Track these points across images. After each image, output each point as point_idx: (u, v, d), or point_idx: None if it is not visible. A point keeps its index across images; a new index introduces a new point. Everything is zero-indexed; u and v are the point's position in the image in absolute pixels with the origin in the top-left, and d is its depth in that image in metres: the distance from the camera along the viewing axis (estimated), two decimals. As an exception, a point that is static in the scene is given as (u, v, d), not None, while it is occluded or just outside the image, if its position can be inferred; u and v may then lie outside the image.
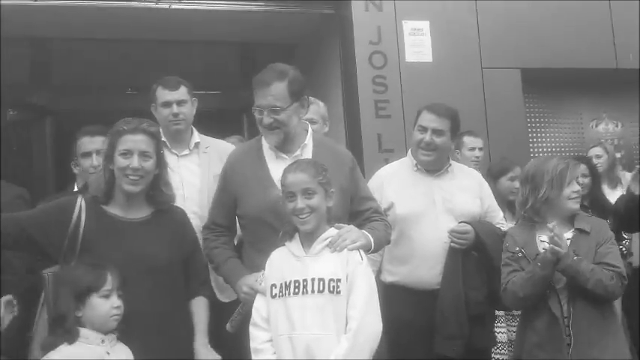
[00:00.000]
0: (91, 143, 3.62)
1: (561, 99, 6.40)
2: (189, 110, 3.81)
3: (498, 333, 3.94)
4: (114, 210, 2.86)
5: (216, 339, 3.00)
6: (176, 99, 3.76)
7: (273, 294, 2.74)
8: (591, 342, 3.02)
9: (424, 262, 3.49)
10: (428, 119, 3.58)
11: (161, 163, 2.93)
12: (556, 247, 2.99)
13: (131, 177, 2.80)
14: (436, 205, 3.56)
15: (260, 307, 2.78)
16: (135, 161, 2.78)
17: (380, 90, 5.29)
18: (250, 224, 3.02)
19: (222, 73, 6.71)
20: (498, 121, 5.47)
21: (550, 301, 3.08)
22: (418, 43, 5.41)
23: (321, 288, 2.66)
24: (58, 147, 6.60)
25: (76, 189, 3.87)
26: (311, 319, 2.64)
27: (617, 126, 6.60)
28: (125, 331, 2.69)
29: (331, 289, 2.66)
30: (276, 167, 3.02)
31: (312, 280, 2.68)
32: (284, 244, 2.83)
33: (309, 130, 3.16)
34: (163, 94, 3.78)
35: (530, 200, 3.20)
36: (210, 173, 3.63)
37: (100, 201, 2.86)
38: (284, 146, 3.06)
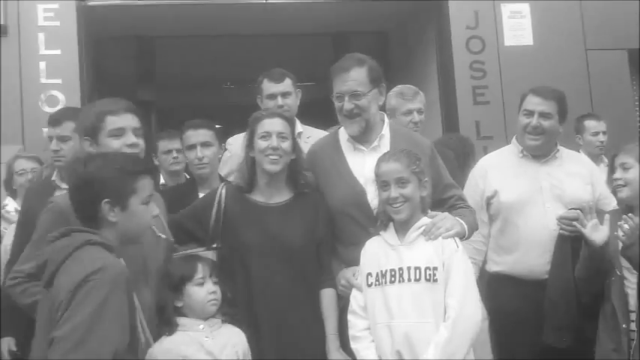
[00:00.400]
0: (195, 136, 3.74)
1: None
2: (293, 102, 3.91)
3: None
4: (256, 197, 3.00)
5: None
6: (281, 91, 3.86)
7: (369, 283, 2.76)
8: None
9: (531, 250, 3.37)
10: (534, 102, 3.47)
11: (297, 147, 3.04)
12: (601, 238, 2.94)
13: (271, 157, 2.92)
14: (543, 192, 3.44)
15: (357, 295, 2.81)
16: (274, 141, 2.91)
17: (478, 76, 5.18)
18: (334, 217, 3.01)
19: (316, 64, 6.77)
20: (604, 105, 5.22)
21: (612, 290, 2.97)
22: (517, 26, 5.26)
23: (417, 276, 2.66)
24: (162, 142, 6.85)
25: (162, 181, 4.05)
26: (409, 308, 2.64)
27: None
28: (253, 318, 2.81)
29: (427, 277, 2.66)
30: (355, 160, 3.03)
31: (409, 268, 2.68)
32: (379, 234, 2.84)
33: (386, 120, 3.14)
34: (269, 87, 3.89)
35: None
36: None
37: (243, 190, 3.00)
38: (362, 137, 3.04)
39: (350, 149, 3.07)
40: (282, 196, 3.01)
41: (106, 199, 2.26)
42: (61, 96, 4.73)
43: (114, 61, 6.58)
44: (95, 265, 2.10)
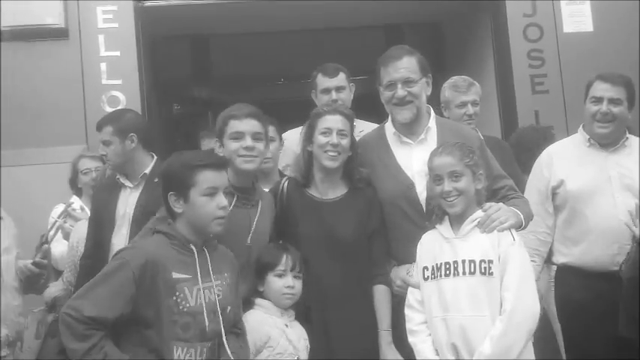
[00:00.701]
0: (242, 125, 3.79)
1: None
2: (347, 96, 3.93)
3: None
4: (312, 191, 3.04)
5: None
6: (335, 85, 3.89)
7: (426, 276, 2.76)
8: None
9: (600, 241, 3.29)
10: (602, 89, 3.38)
11: (354, 144, 3.06)
12: None
13: (330, 153, 2.95)
14: (612, 181, 3.35)
15: (414, 289, 2.81)
16: (334, 138, 2.94)
17: (536, 64, 5.06)
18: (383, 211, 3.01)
19: (369, 57, 6.74)
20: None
21: None
22: (577, 12, 5.11)
23: (472, 269, 2.64)
24: (219, 139, 6.95)
25: None
26: (464, 301, 2.63)
27: None
28: (306, 312, 2.87)
29: (482, 270, 2.63)
30: (401, 153, 3.04)
31: (463, 261, 2.67)
32: (434, 227, 2.83)
33: (432, 112, 3.13)
34: (323, 81, 3.92)
35: None
36: None
37: (300, 184, 3.05)
38: (408, 129, 3.05)
39: (397, 143, 3.08)
40: (336, 192, 3.04)
41: (171, 192, 2.51)
42: (121, 96, 4.84)
43: (171, 61, 6.69)
44: (124, 248, 2.55)
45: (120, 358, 2.35)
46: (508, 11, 5.11)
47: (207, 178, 2.50)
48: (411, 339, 2.77)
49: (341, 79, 3.92)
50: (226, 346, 2.51)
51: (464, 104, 4.07)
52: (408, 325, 2.78)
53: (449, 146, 2.80)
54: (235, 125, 2.89)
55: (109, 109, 4.69)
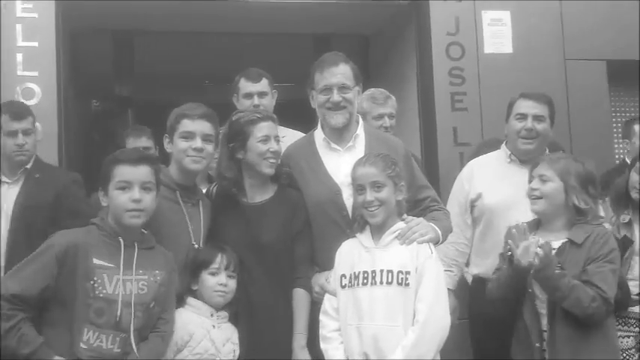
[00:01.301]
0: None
1: (650, 93, 6.12)
2: (269, 102, 3.92)
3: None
4: (240, 195, 3.05)
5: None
6: (258, 90, 3.89)
7: (343, 284, 2.77)
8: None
9: None
10: (527, 106, 3.49)
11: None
12: (525, 258, 2.77)
13: (271, 160, 2.99)
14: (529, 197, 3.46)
15: (331, 296, 2.83)
16: (274, 145, 2.99)
17: (457, 82, 5.17)
18: (310, 217, 3.03)
19: (296, 65, 6.76)
20: (581, 115, 5.23)
21: (524, 308, 2.90)
22: (498, 33, 5.25)
23: (389, 279, 2.68)
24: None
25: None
26: (379, 310, 2.66)
27: None
28: (236, 313, 2.89)
29: (400, 281, 2.68)
30: (330, 159, 3.08)
31: (381, 271, 2.70)
32: (355, 236, 2.85)
33: (360, 121, 3.19)
34: (246, 86, 3.91)
35: None
36: None
37: (231, 191, 3.05)
38: (337, 137, 3.09)
39: (325, 149, 3.11)
40: (264, 196, 3.05)
41: (100, 187, 2.70)
42: (37, 88, 4.64)
43: (92, 56, 6.49)
44: (55, 233, 2.67)
45: (34, 341, 2.49)
46: (432, 29, 5.20)
47: (120, 172, 2.63)
48: (323, 345, 2.79)
49: (264, 84, 3.91)
50: (132, 340, 2.56)
51: (381, 116, 4.15)
52: (322, 332, 2.80)
53: (372, 157, 2.84)
54: (187, 125, 2.90)
55: (22, 101, 4.51)
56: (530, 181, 3.09)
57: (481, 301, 3.38)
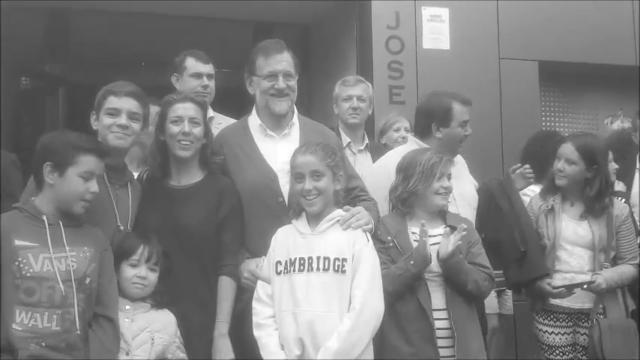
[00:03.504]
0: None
1: (578, 94, 6.32)
2: (214, 85, 3.87)
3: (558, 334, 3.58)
4: (168, 179, 3.02)
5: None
6: (207, 71, 3.87)
7: (278, 270, 2.76)
8: (469, 336, 2.94)
9: None
10: (466, 112, 3.48)
11: (209, 132, 3.07)
12: (448, 248, 2.87)
13: (182, 142, 2.94)
14: (453, 191, 3.51)
15: (265, 283, 2.81)
16: (185, 126, 2.94)
17: (395, 76, 5.24)
18: (243, 203, 3.00)
19: (234, 51, 6.69)
20: (513, 112, 5.40)
21: (419, 292, 2.91)
22: (436, 30, 5.35)
23: (326, 266, 2.70)
24: (70, 118, 6.60)
25: None
26: (315, 297, 2.67)
27: (632, 124, 6.51)
28: (164, 300, 2.85)
29: (336, 268, 2.69)
30: (265, 146, 3.07)
31: (318, 258, 2.71)
32: (290, 222, 2.84)
33: (295, 110, 3.20)
34: (196, 65, 3.87)
35: (399, 189, 3.06)
36: None
37: (157, 174, 3.03)
38: (276, 123, 3.09)
39: (261, 135, 3.10)
40: (191, 180, 3.01)
41: (48, 163, 2.62)
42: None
43: (24, 32, 6.27)
44: None
45: None
46: (373, 22, 5.24)
47: (88, 161, 2.64)
48: (256, 333, 2.77)
49: (211, 67, 3.90)
50: (76, 316, 2.53)
51: (350, 97, 4.23)
52: (255, 319, 2.78)
53: (312, 145, 2.84)
54: (113, 102, 2.86)
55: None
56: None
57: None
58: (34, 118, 6.71)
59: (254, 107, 3.18)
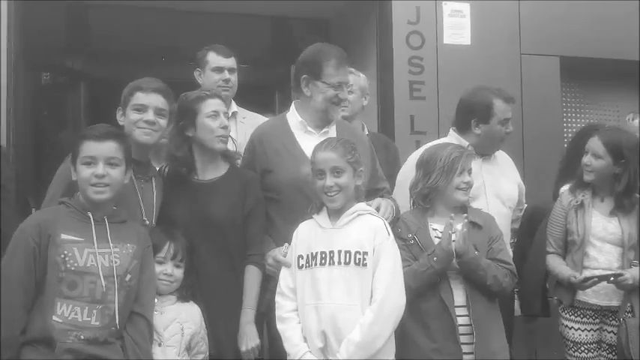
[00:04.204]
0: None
1: (599, 90, 6.26)
2: (236, 79, 3.89)
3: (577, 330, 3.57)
4: (192, 174, 3.05)
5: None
6: (229, 66, 3.90)
7: (300, 265, 2.79)
8: (490, 334, 2.93)
9: None
10: (509, 110, 3.53)
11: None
12: (461, 245, 2.87)
13: (221, 136, 3.02)
14: (486, 187, 3.51)
15: (286, 276, 2.84)
16: (224, 121, 3.02)
17: (415, 71, 5.21)
18: (284, 196, 3.05)
19: (253, 47, 6.69)
20: (534, 108, 5.34)
21: (441, 289, 2.93)
22: (457, 25, 5.31)
23: (347, 260, 2.72)
24: (90, 113, 6.65)
25: None
26: (337, 290, 2.70)
27: (654, 121, 6.44)
28: (188, 294, 2.90)
29: (357, 261, 2.71)
30: (305, 142, 3.10)
31: (339, 251, 2.73)
32: (312, 217, 2.87)
33: None
34: (217, 60, 3.90)
35: (419, 185, 3.06)
36: (244, 144, 3.64)
37: (183, 171, 3.04)
38: (320, 121, 3.16)
39: (301, 132, 3.16)
40: (215, 173, 3.06)
41: (71, 161, 2.69)
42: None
43: (45, 27, 6.31)
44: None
45: None
46: (394, 17, 5.22)
47: (86, 148, 2.64)
48: (279, 326, 2.80)
49: (233, 61, 3.94)
50: (116, 312, 2.56)
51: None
52: (278, 313, 2.82)
53: (333, 141, 2.87)
54: (140, 98, 2.88)
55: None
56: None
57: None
58: (55, 113, 6.76)
59: (293, 104, 3.25)
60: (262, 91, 6.88)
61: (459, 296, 2.95)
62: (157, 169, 3.21)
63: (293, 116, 3.21)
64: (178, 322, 2.83)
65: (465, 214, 2.98)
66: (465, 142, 3.53)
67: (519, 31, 5.47)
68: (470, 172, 3.08)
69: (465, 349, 2.88)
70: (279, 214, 3.07)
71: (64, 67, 6.86)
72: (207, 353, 2.90)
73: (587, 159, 3.48)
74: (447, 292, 2.93)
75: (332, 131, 3.17)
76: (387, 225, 2.81)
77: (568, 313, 3.52)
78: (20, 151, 4.67)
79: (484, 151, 3.54)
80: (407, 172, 3.50)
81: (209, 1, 5.85)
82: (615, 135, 3.52)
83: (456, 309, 2.91)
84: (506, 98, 3.46)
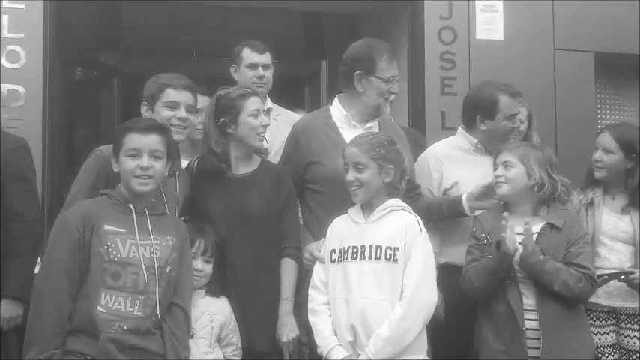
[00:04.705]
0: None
1: (634, 87, 6.15)
2: (270, 75, 3.90)
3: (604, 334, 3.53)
4: (225, 168, 3.07)
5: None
6: (264, 62, 3.92)
7: (333, 259, 2.82)
8: (561, 339, 2.88)
9: None
10: (518, 107, 3.51)
11: None
12: (512, 244, 2.85)
13: (262, 134, 3.05)
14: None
15: (319, 270, 2.88)
16: (265, 119, 3.09)
17: (447, 67, 5.18)
18: (328, 188, 3.08)
19: (283, 42, 6.70)
20: (567, 104, 5.28)
21: (509, 292, 2.93)
22: (490, 20, 5.27)
23: (378, 255, 2.73)
24: (124, 108, 6.72)
25: None
26: (367, 284, 2.72)
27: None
28: (217, 288, 2.93)
29: (388, 256, 2.73)
30: (350, 135, 3.10)
31: (370, 246, 2.75)
32: (346, 212, 2.89)
33: None
34: (252, 56, 3.91)
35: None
36: (278, 140, 3.66)
37: (216, 164, 3.06)
38: (364, 116, 3.21)
39: (345, 125, 3.20)
40: (248, 168, 3.09)
41: (113, 155, 2.75)
42: (22, 51, 4.55)
43: (78, 22, 6.39)
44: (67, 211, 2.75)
45: None
46: (425, 12, 5.20)
47: (130, 140, 2.68)
48: (311, 318, 2.84)
49: (268, 57, 3.96)
50: (157, 303, 2.60)
51: None
52: (310, 305, 2.86)
53: (359, 138, 2.89)
54: (171, 94, 2.92)
55: (7, 65, 4.44)
56: (494, 169, 3.15)
57: (455, 287, 3.37)
58: (88, 108, 6.84)
59: (337, 98, 3.29)
60: (292, 86, 6.89)
61: (529, 299, 2.94)
62: (186, 164, 3.24)
63: (337, 110, 3.24)
64: (208, 314, 2.88)
65: (527, 220, 2.92)
66: (472, 140, 3.49)
67: (553, 27, 5.40)
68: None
69: (532, 352, 2.86)
70: (321, 205, 3.10)
71: (98, 62, 6.93)
72: (239, 344, 2.94)
73: (597, 155, 3.44)
74: (515, 295, 2.93)
75: (375, 126, 3.20)
76: (420, 221, 2.82)
77: None
78: (55, 146, 4.74)
79: (492, 148, 3.51)
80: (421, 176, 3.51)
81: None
82: (626, 130, 3.51)
83: (526, 312, 2.91)
84: (512, 93, 3.41)
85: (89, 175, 2.87)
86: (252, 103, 3.04)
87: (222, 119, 3.04)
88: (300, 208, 3.21)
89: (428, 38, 5.17)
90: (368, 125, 3.19)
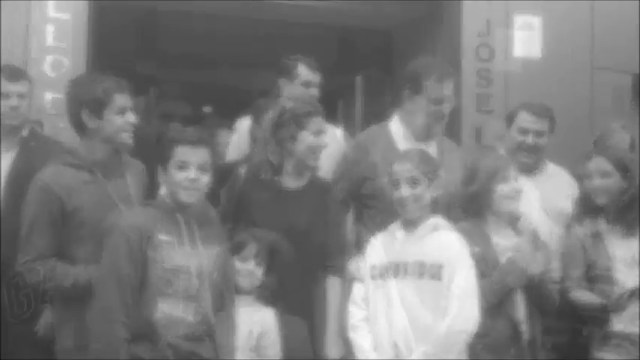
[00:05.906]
0: None
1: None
2: (316, 94, 3.87)
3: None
4: (276, 179, 3.08)
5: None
6: (317, 81, 3.90)
7: (373, 275, 2.81)
8: None
9: None
10: (530, 121, 3.49)
11: None
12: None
13: (319, 153, 3.06)
14: (532, 204, 3.41)
15: (360, 286, 2.86)
16: (325, 140, 3.07)
17: (484, 84, 5.19)
18: (385, 205, 3.03)
19: (317, 55, 6.73)
20: (605, 124, 5.25)
21: (507, 304, 2.89)
22: (527, 38, 5.27)
23: (421, 272, 2.71)
24: (161, 117, 6.80)
25: None
26: (410, 302, 2.69)
27: None
28: (267, 294, 2.92)
29: (432, 274, 2.70)
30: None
31: (413, 263, 2.73)
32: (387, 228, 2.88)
33: None
34: (307, 74, 3.89)
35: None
36: (322, 155, 3.66)
37: (268, 174, 3.07)
38: (423, 134, 3.21)
39: (402, 141, 3.22)
40: (297, 182, 3.10)
41: (160, 165, 2.75)
42: (66, 61, 4.63)
43: (116, 32, 6.49)
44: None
45: None
46: (463, 28, 5.21)
47: (180, 152, 2.68)
48: (350, 334, 2.83)
49: (319, 76, 3.92)
50: (209, 309, 2.65)
51: None
52: (350, 321, 2.84)
53: (410, 152, 2.90)
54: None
55: (51, 73, 4.52)
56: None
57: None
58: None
59: (396, 114, 3.32)
60: (325, 101, 6.89)
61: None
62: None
63: (395, 125, 3.27)
64: (248, 323, 2.86)
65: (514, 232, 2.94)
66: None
67: (592, 46, 5.38)
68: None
69: None
70: (375, 221, 3.09)
71: (135, 72, 7.02)
72: (279, 358, 2.92)
73: (597, 182, 3.35)
74: (515, 308, 2.91)
75: (432, 146, 3.19)
76: (463, 239, 2.80)
77: (600, 344, 3.24)
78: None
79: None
80: None
81: (273, 9, 5.92)
82: (615, 150, 3.56)
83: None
84: (532, 110, 3.51)
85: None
86: (315, 123, 3.05)
87: (282, 132, 3.05)
88: (354, 224, 3.23)
89: (465, 54, 5.18)
90: (428, 143, 3.19)
